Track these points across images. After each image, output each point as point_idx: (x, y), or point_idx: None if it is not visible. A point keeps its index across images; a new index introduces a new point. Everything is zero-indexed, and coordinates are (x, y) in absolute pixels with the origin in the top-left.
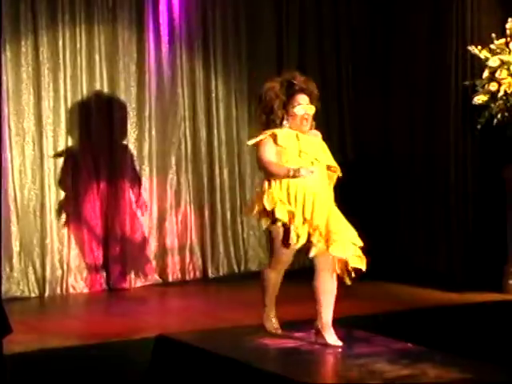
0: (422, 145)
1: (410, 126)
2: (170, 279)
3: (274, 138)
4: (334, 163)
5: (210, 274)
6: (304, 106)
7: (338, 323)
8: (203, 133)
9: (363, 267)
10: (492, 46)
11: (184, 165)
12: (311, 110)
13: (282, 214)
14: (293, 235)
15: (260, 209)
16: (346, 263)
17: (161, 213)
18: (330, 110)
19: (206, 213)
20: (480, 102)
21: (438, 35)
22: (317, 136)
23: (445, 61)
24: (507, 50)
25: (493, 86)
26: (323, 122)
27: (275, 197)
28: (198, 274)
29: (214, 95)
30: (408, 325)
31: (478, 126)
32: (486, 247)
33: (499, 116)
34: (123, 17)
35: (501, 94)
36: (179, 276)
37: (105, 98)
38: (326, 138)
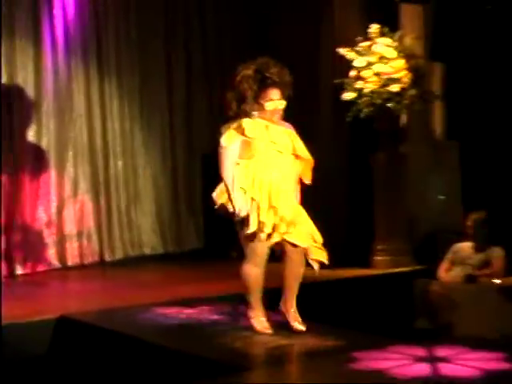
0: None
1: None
2: (70, 264)
3: (242, 131)
4: (306, 154)
5: (107, 257)
6: (275, 102)
7: (225, 300)
8: (98, 127)
9: (325, 260)
10: (358, 49)
11: (81, 157)
12: (281, 105)
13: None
14: (252, 222)
15: (225, 202)
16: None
17: (59, 202)
18: (214, 101)
19: (102, 201)
20: (348, 98)
21: (312, 41)
22: (287, 127)
23: (318, 62)
24: (371, 51)
25: (359, 84)
26: (206, 109)
27: (237, 186)
28: (95, 258)
29: (107, 93)
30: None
31: (348, 119)
32: (355, 227)
33: (366, 110)
34: (20, 19)
35: (366, 91)
36: (78, 260)
37: (5, 96)
38: (209, 126)
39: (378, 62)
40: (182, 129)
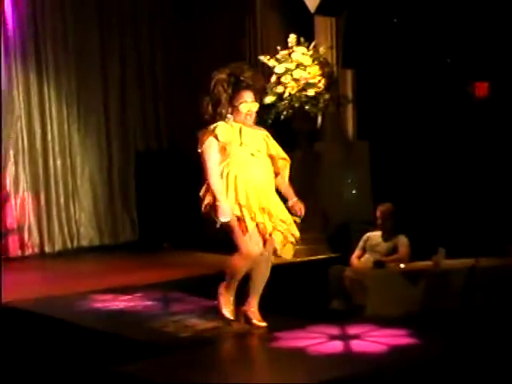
0: None
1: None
2: (11, 255)
3: (216, 136)
4: (282, 154)
5: (47, 249)
6: (248, 104)
7: (157, 287)
8: (38, 129)
9: (290, 257)
10: (278, 56)
11: (21, 157)
12: (255, 107)
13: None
14: (248, 222)
15: (209, 203)
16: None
17: (1, 198)
18: (147, 103)
19: (42, 198)
20: (269, 101)
21: (235, 48)
22: (261, 130)
23: None
24: (290, 59)
25: (279, 89)
26: (140, 111)
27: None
28: (36, 250)
29: (46, 96)
30: (215, 286)
31: (269, 121)
32: None
33: (285, 113)
34: None
35: (286, 95)
36: (19, 253)
37: None
38: (142, 127)
39: (296, 69)
40: (117, 129)
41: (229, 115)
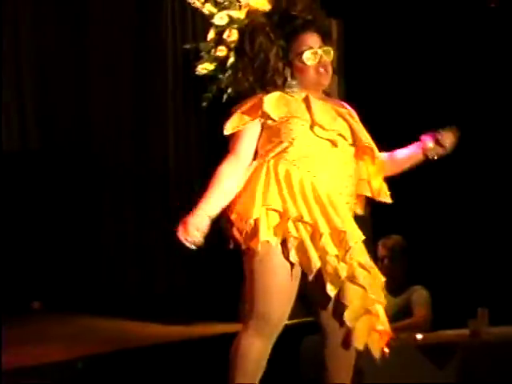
0: (133, 130)
1: (117, 110)
2: None
3: (264, 115)
4: (372, 144)
5: None
6: (316, 50)
7: (20, 375)
8: None
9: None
10: None
11: None
12: (329, 54)
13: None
14: (292, 251)
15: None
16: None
17: None
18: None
19: None
20: (205, 71)
21: None
22: (342, 103)
23: (157, 18)
24: (237, 3)
25: (221, 51)
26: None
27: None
28: None
29: None
30: (119, 369)
31: (204, 104)
32: (216, 270)
33: (230, 90)
34: None
35: (231, 61)
36: None
37: None
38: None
39: (247, 19)
40: None
41: (290, 80)
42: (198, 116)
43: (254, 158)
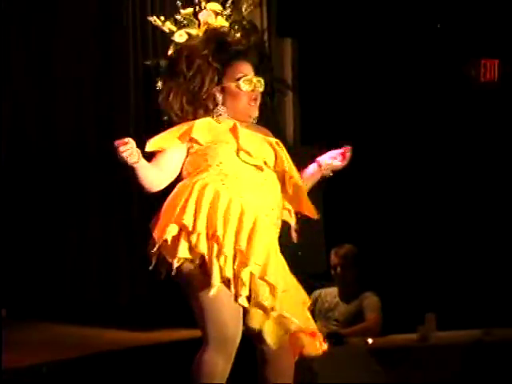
0: (97, 146)
1: (80, 123)
2: None
3: (192, 140)
4: (295, 173)
5: None
6: (250, 79)
7: None
8: None
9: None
10: (178, 17)
11: None
12: (260, 84)
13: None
14: (215, 272)
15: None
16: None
17: None
18: None
19: None
20: None
21: (108, 4)
22: (268, 131)
23: (120, 36)
24: (195, 21)
25: None
26: None
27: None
28: None
29: None
30: (82, 374)
31: (165, 117)
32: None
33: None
34: None
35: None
36: None
37: None
38: None
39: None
40: None
41: (220, 107)
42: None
43: (177, 181)
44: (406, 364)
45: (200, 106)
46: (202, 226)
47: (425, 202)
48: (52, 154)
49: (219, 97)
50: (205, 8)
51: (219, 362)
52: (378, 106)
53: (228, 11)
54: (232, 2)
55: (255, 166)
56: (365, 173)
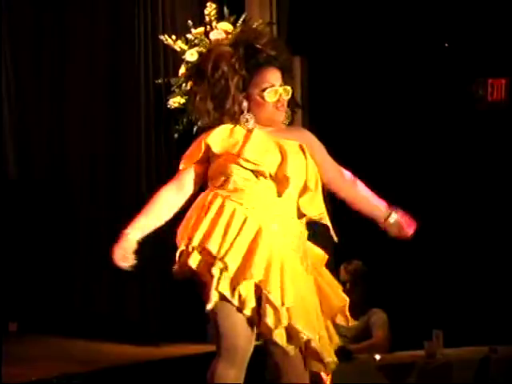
0: (107, 163)
1: (92, 138)
2: None
3: (205, 144)
4: (312, 183)
5: None
6: (277, 89)
7: None
8: None
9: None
10: (189, 36)
11: None
12: (287, 93)
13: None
14: (213, 291)
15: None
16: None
17: None
18: None
19: None
20: (176, 105)
21: (119, 22)
22: (301, 132)
23: (130, 54)
24: (206, 41)
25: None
26: None
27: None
28: None
29: None
30: None
31: (175, 135)
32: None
33: (200, 122)
34: None
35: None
36: None
37: None
38: None
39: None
40: None
41: (247, 114)
42: (168, 149)
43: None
44: (413, 380)
45: (226, 113)
46: (197, 240)
47: (431, 219)
48: (62, 166)
49: (245, 104)
50: (215, 27)
51: (231, 372)
52: (387, 125)
53: (238, 30)
54: (243, 21)
55: (257, 172)
56: (373, 189)
